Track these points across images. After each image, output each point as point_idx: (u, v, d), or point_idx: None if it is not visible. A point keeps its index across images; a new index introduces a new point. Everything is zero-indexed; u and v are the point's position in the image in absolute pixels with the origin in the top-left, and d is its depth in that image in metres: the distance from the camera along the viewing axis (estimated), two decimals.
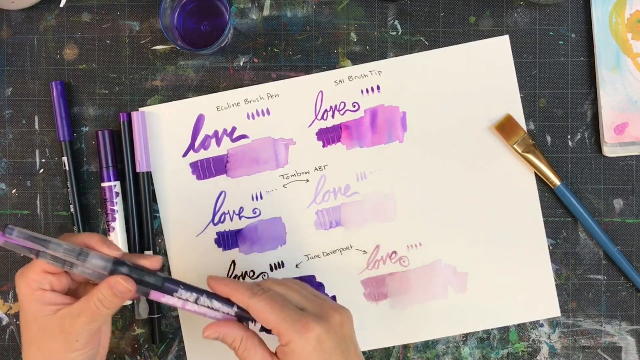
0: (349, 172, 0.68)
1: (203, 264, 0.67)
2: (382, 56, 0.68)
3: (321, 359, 0.54)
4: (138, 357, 0.68)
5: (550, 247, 0.67)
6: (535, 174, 0.67)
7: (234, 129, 0.68)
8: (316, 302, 0.57)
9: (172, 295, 0.56)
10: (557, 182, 0.66)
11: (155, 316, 0.67)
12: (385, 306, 0.67)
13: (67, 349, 0.56)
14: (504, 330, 0.68)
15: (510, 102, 0.67)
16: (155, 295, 0.56)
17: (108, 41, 0.68)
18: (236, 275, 0.68)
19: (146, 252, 0.67)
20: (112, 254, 0.56)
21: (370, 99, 0.67)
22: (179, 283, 0.56)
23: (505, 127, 0.66)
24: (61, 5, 0.68)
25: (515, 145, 0.65)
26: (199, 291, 0.56)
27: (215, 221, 0.68)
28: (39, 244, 0.54)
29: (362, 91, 0.67)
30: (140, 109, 0.68)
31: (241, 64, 0.68)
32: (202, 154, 0.68)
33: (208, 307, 0.56)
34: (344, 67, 0.68)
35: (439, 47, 0.67)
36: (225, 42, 0.65)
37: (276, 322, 0.54)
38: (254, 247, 0.68)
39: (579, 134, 0.67)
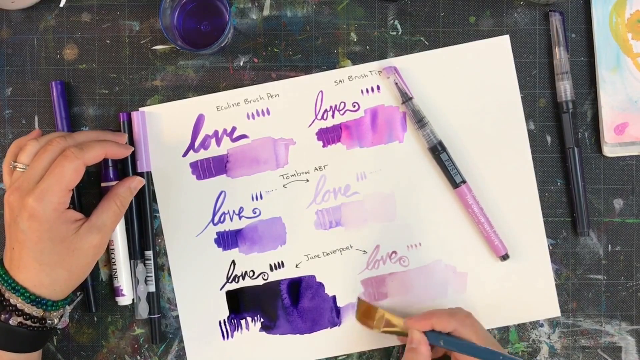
0: (349, 172, 0.67)
1: (203, 263, 0.67)
2: (382, 56, 0.68)
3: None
4: (138, 357, 0.68)
5: (550, 247, 0.67)
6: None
7: (234, 129, 0.68)
8: None
9: None
10: None
11: (155, 316, 0.67)
12: (386, 306, 0.67)
13: (96, 257, 0.61)
14: (504, 330, 0.68)
15: (510, 102, 0.67)
16: None
17: (108, 41, 0.68)
18: (236, 275, 0.68)
19: (146, 252, 0.67)
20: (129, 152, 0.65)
21: (370, 99, 0.67)
22: None
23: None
24: (61, 5, 0.68)
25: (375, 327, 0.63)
26: None
27: (215, 221, 0.68)
28: None
29: (362, 91, 0.67)
30: (140, 109, 0.68)
31: (241, 64, 0.68)
32: (202, 154, 0.68)
33: None
34: (344, 67, 0.68)
35: (439, 47, 0.67)
36: (225, 42, 0.65)
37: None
38: (254, 247, 0.68)
39: (579, 134, 0.67)
